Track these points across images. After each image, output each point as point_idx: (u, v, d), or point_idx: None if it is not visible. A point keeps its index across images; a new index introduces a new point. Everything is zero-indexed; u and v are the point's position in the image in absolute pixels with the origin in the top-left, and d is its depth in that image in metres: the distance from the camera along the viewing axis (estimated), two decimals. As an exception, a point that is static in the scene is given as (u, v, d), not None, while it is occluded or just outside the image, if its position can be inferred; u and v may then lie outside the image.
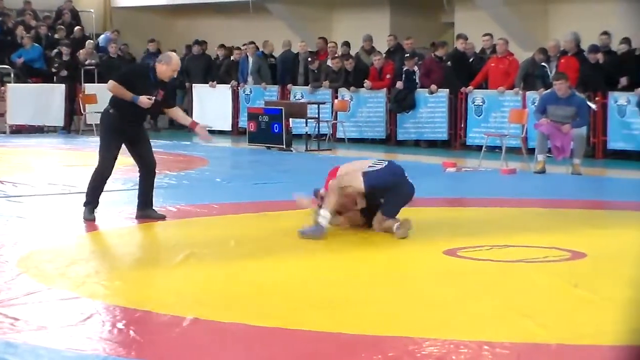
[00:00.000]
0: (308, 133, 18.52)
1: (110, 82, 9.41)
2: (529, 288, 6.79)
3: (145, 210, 9.57)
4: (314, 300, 6.38)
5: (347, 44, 20.42)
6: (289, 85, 20.75)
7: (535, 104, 15.32)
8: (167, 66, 9.38)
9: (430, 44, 20.03)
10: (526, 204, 10.07)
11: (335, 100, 19.57)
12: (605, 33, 17.08)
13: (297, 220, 9.31)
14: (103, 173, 9.50)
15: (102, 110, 9.67)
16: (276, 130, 17.83)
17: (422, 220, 9.39)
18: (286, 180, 13.15)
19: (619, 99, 16.10)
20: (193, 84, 22.22)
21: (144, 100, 9.25)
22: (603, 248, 8.26)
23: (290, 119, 18.20)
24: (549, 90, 14.84)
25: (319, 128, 18.80)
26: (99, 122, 9.78)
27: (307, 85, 20.36)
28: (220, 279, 7.10)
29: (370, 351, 5.19)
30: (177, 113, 9.86)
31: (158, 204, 9.99)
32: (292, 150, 17.72)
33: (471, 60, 18.61)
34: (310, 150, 17.93)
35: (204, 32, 24.58)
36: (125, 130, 9.42)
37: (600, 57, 16.52)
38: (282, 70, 21.31)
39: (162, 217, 9.57)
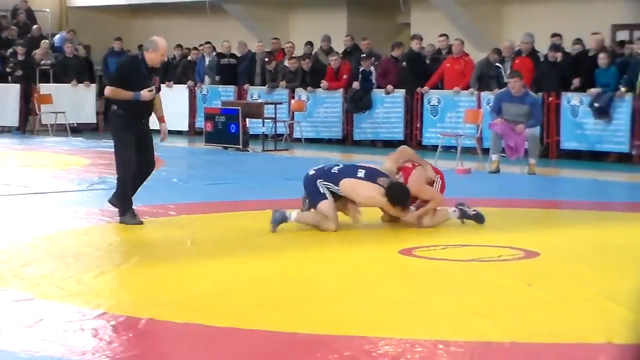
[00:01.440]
0: (265, 133, 18.53)
1: (107, 88, 9.42)
2: (483, 287, 6.84)
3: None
4: (270, 300, 6.40)
5: (310, 44, 20.42)
6: (246, 86, 20.73)
7: (491, 104, 15.45)
8: (155, 52, 9.32)
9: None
10: (481, 204, 10.15)
11: (292, 101, 19.60)
12: (556, 34, 17.27)
13: (253, 221, 9.34)
14: (128, 174, 9.37)
15: (110, 111, 9.60)
16: (233, 131, 17.82)
17: (378, 220, 9.45)
18: (243, 181, 13.16)
19: (572, 99, 16.27)
20: (149, 84, 22.10)
21: (146, 94, 9.23)
22: (556, 247, 8.35)
23: (247, 119, 18.20)
24: (503, 89, 14.99)
25: (275, 128, 18.81)
26: (110, 124, 9.70)
27: (264, 86, 20.36)
28: (176, 279, 7.10)
29: (326, 351, 5.22)
30: (158, 99, 9.70)
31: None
32: (249, 151, 17.71)
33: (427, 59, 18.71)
34: (267, 150, 17.95)
35: (161, 32, 24.12)
36: (136, 128, 9.37)
37: (559, 56, 16.69)
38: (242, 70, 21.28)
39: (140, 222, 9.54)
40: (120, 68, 9.68)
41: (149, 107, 9.49)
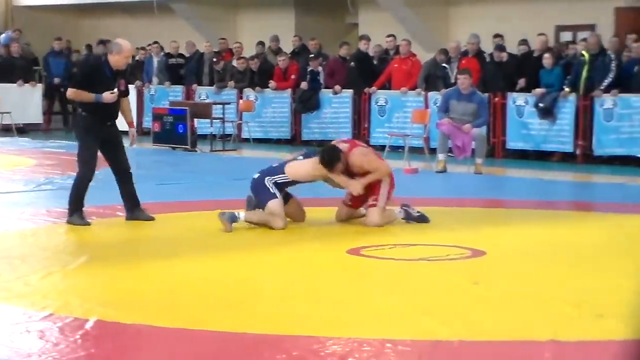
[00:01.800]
0: (213, 133, 18.50)
1: (69, 90, 9.35)
2: (430, 286, 6.90)
3: (134, 212, 9.52)
4: (218, 300, 6.40)
5: (262, 44, 20.39)
6: (194, 86, 20.68)
7: (438, 103, 15.56)
8: (120, 55, 9.27)
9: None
10: (428, 203, 10.22)
11: (240, 101, 19.58)
12: (498, 35, 17.45)
13: (202, 221, 9.33)
14: (87, 176, 9.34)
15: (75, 114, 9.56)
16: (181, 131, 17.76)
17: (327, 220, 9.49)
18: (191, 181, 13.14)
19: (517, 99, 16.44)
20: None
21: (108, 97, 9.17)
22: (502, 246, 8.44)
23: (195, 119, 18.16)
24: (452, 87, 15.12)
25: (224, 128, 18.78)
26: (73, 126, 9.69)
27: (212, 86, 20.32)
28: (124, 280, 7.07)
29: (274, 350, 5.23)
30: (126, 104, 9.70)
31: (61, 206, 9.90)
32: (197, 151, 17.68)
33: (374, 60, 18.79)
34: (215, 150, 17.92)
35: (108, 32, 24.28)
36: (101, 131, 9.31)
37: (504, 56, 16.85)
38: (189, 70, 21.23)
39: (152, 218, 9.52)
40: (82, 69, 9.68)
41: (114, 110, 9.44)
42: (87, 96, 9.18)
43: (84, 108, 9.33)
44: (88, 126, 9.31)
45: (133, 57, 21.94)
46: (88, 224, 9.27)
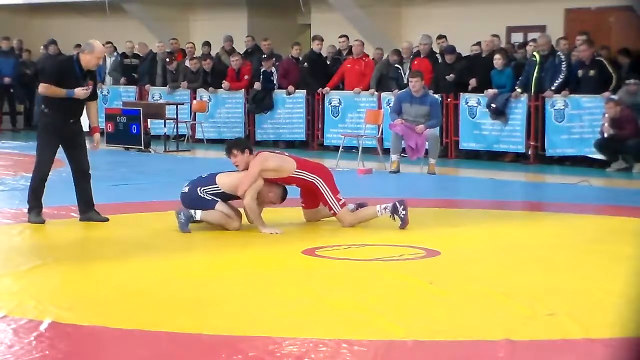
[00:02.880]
0: (167, 134, 18.44)
1: (41, 85, 9.34)
2: (385, 286, 6.92)
3: (88, 213, 9.49)
4: (175, 301, 6.39)
5: (207, 44, 20.38)
6: (147, 86, 20.60)
7: (391, 105, 15.63)
8: (91, 55, 9.30)
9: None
10: (382, 204, 10.26)
11: (194, 101, 19.55)
12: (442, 36, 17.56)
13: (157, 222, 9.31)
14: (40, 174, 9.35)
15: (39, 111, 9.54)
16: (134, 131, 17.69)
17: (282, 220, 9.50)
18: (145, 182, 13.09)
19: (469, 100, 16.56)
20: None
21: (80, 92, 9.19)
22: (456, 246, 8.50)
23: (149, 120, 18.09)
24: (404, 90, 15.18)
25: (177, 129, 18.74)
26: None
27: (166, 86, 20.26)
28: (78, 281, 7.04)
29: (231, 351, 5.24)
30: (93, 108, 9.72)
31: (14, 207, 9.82)
32: (150, 151, 17.62)
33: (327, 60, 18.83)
34: (169, 151, 17.87)
35: (60, 32, 24.15)
36: (63, 130, 9.28)
37: (453, 58, 16.95)
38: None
39: (106, 219, 9.47)
40: (54, 68, 9.74)
41: (78, 108, 9.45)
42: (59, 91, 9.20)
43: (47, 105, 9.32)
44: (51, 124, 9.31)
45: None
46: (42, 222, 9.24)
